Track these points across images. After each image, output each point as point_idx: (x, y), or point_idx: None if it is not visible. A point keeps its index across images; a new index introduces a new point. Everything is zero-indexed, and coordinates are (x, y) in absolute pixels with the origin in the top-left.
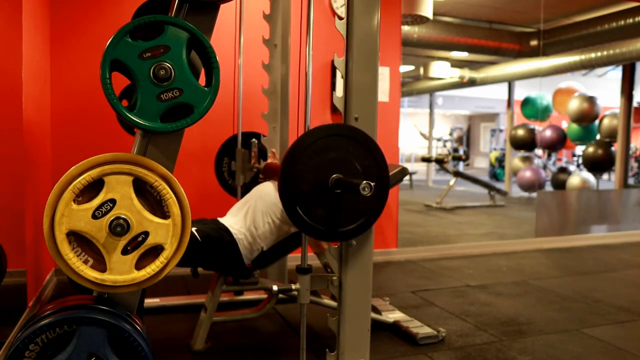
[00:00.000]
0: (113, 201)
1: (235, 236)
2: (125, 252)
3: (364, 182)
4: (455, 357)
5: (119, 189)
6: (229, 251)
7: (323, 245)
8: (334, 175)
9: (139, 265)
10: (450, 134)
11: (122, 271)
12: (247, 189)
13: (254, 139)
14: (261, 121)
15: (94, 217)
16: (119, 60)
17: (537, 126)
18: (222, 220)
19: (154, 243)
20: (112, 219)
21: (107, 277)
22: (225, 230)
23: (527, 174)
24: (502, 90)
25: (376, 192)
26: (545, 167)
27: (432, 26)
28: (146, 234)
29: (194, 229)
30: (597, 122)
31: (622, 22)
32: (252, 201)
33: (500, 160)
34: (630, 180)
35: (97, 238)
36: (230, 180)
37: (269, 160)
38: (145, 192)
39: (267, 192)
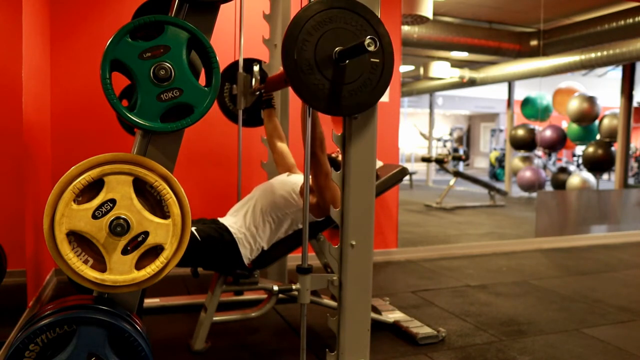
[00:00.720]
0: (113, 201)
1: (235, 235)
2: (125, 252)
3: (368, 37)
4: (455, 357)
5: (119, 189)
6: (229, 251)
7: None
8: (337, 48)
9: (139, 265)
10: (450, 134)
11: (122, 271)
12: (248, 114)
13: (256, 63)
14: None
15: (94, 217)
16: (119, 60)
17: (537, 126)
18: (222, 220)
19: (154, 243)
20: (112, 219)
21: (107, 277)
22: (225, 229)
23: (527, 174)
24: (502, 90)
25: (381, 62)
26: (545, 167)
27: (432, 26)
28: (146, 234)
29: (193, 229)
30: (597, 122)
31: (622, 22)
32: (252, 201)
33: (500, 160)
34: (630, 180)
35: (97, 238)
36: (232, 106)
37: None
38: (145, 192)
39: (267, 192)
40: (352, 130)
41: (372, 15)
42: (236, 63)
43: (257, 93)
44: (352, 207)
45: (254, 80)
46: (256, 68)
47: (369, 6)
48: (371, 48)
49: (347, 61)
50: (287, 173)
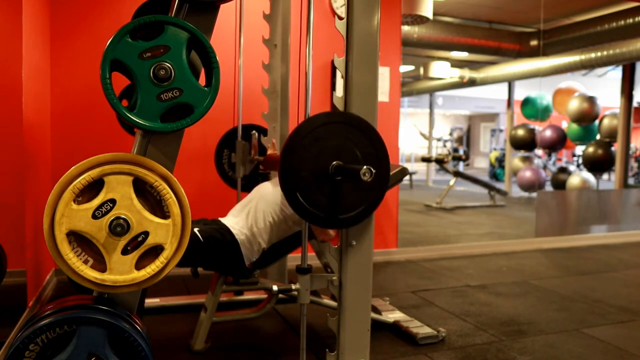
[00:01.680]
0: (113, 201)
1: (236, 236)
2: (125, 252)
3: (365, 167)
4: (455, 357)
5: (119, 189)
6: (230, 251)
7: (329, 232)
8: (334, 162)
9: (139, 265)
10: (450, 134)
11: (122, 271)
12: (247, 181)
13: (254, 131)
14: (261, 120)
15: (94, 217)
16: (119, 60)
17: (537, 126)
18: (223, 220)
19: (154, 243)
20: (112, 219)
21: (107, 277)
22: (226, 230)
23: (527, 174)
24: (502, 90)
25: (376, 179)
26: (545, 167)
27: (432, 26)
28: (146, 234)
29: (195, 229)
30: (597, 122)
31: (622, 22)
32: (253, 202)
33: (500, 160)
34: (630, 180)
35: (97, 238)
36: (230, 172)
37: (269, 152)
38: (145, 192)
39: (267, 192)
40: None
41: (372, 130)
42: (235, 129)
43: (255, 162)
44: None
45: (252, 147)
46: (255, 136)
47: (369, 9)
48: (366, 178)
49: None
50: None
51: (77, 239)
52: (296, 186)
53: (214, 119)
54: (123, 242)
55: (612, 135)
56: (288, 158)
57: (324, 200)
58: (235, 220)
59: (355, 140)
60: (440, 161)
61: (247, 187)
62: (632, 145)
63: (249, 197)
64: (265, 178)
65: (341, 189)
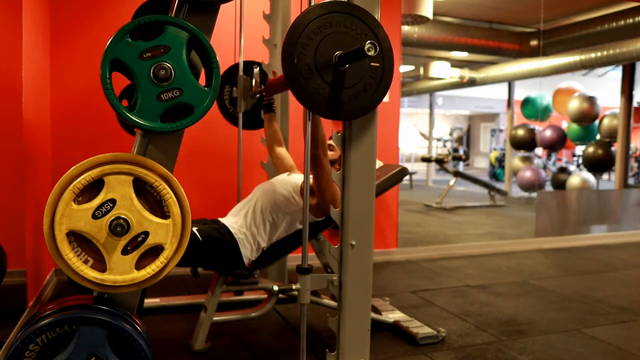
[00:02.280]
0: (113, 201)
1: (235, 236)
2: (125, 252)
3: (368, 42)
4: (455, 357)
5: (119, 189)
6: (230, 251)
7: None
8: (337, 52)
9: (139, 265)
10: (450, 134)
11: (122, 271)
12: (247, 116)
13: (256, 66)
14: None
15: (94, 217)
16: (119, 60)
17: (537, 126)
18: (222, 220)
19: (154, 243)
20: (112, 219)
21: (107, 277)
22: (225, 229)
23: (527, 174)
24: (502, 90)
25: (381, 70)
26: (545, 167)
27: (432, 26)
28: (146, 233)
29: (194, 229)
30: (597, 122)
31: (622, 22)
32: (252, 201)
33: (500, 160)
34: (630, 180)
35: (97, 238)
36: (231, 108)
37: (270, 79)
38: (145, 192)
39: (268, 191)
40: (352, 131)
41: (372, 19)
42: (236, 65)
43: (257, 96)
44: (352, 207)
45: (254, 82)
46: (256, 70)
47: (369, 9)
48: (371, 53)
49: (347, 65)
50: (287, 173)
51: (77, 239)
52: (299, 73)
53: (214, 119)
54: (123, 242)
55: (612, 135)
56: (291, 46)
57: (327, 89)
58: (235, 220)
59: (358, 30)
60: (440, 161)
61: (249, 123)
62: (632, 145)
63: (249, 197)
64: (269, 109)
65: (344, 78)
